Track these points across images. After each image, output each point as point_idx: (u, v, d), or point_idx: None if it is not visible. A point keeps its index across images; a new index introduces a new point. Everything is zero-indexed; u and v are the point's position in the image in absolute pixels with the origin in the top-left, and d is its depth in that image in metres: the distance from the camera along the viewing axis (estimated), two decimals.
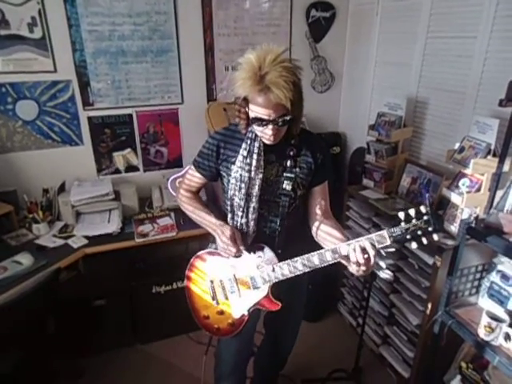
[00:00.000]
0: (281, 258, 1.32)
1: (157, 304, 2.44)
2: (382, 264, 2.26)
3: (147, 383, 2.23)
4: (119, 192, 2.47)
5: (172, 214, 2.47)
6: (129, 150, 2.66)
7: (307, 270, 1.28)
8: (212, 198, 2.47)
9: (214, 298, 1.43)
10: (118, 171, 2.67)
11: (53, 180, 2.42)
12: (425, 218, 1.12)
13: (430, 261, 1.88)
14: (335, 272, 2.78)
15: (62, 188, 2.45)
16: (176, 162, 2.78)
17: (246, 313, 1.38)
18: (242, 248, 1.35)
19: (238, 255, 1.36)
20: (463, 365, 1.80)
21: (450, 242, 1.77)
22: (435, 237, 1.13)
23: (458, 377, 1.75)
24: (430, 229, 1.12)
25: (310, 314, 2.63)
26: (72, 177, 2.50)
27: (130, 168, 2.70)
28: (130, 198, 2.48)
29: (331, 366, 2.32)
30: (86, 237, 2.21)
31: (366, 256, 1.16)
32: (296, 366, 2.18)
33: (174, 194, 2.54)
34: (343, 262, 1.22)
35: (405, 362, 2.20)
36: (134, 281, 2.38)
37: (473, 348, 1.87)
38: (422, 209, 1.12)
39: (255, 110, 1.21)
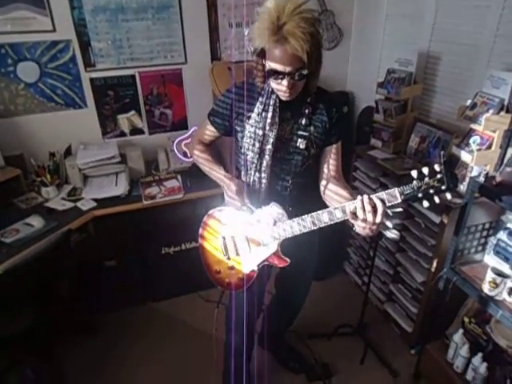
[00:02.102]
0: (291, 215, 1.33)
1: (166, 264, 2.50)
2: (389, 224, 2.28)
3: (160, 339, 2.33)
4: (125, 155, 2.47)
5: (178, 177, 2.47)
6: (133, 112, 2.62)
7: (316, 227, 1.29)
8: (216, 155, 2.46)
9: (225, 253, 1.46)
10: (123, 134, 2.65)
11: (58, 144, 2.41)
12: (438, 176, 1.09)
13: (437, 219, 1.89)
14: (341, 232, 2.81)
15: (68, 151, 2.45)
16: (181, 124, 2.75)
17: (255, 268, 1.41)
18: (247, 202, 1.38)
19: (243, 209, 1.38)
20: (466, 319, 1.85)
21: (457, 201, 1.76)
22: (448, 196, 1.10)
23: (461, 330, 1.80)
24: (443, 187, 1.09)
25: (317, 273, 2.67)
26: (77, 140, 2.49)
27: (135, 131, 2.68)
28: (136, 161, 2.47)
29: (337, 322, 2.40)
30: (95, 199, 2.24)
31: (374, 214, 1.15)
32: (303, 322, 2.25)
33: (180, 156, 2.53)
34: (352, 220, 1.22)
35: (408, 318, 2.27)
36: (143, 242, 2.42)
37: (476, 303, 1.92)
38: (436, 167, 1.09)
39: (271, 62, 1.19)
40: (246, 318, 1.66)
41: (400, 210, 2.18)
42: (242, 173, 1.47)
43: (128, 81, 2.52)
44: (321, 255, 1.88)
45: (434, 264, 1.94)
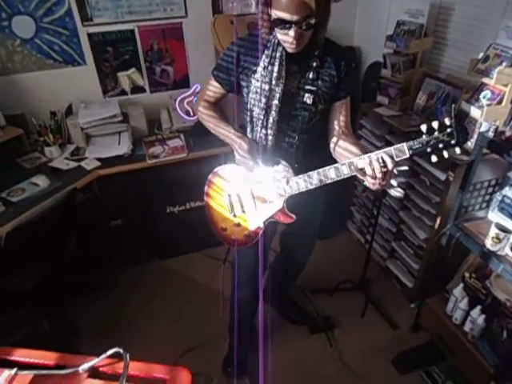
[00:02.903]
0: (297, 172, 1.32)
1: (171, 223, 2.53)
2: (394, 182, 2.26)
3: (167, 295, 2.41)
4: (127, 114, 2.44)
5: (182, 136, 2.45)
6: (133, 69, 2.55)
7: (323, 184, 1.28)
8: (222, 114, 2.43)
9: (231, 211, 1.47)
10: (124, 93, 2.60)
11: (59, 103, 2.37)
12: (448, 130, 1.07)
13: (443, 177, 1.88)
14: (345, 192, 2.81)
15: (69, 111, 2.41)
16: (183, 82, 2.68)
17: (261, 225, 1.42)
18: (259, 161, 1.35)
19: (255, 168, 1.37)
20: (466, 275, 1.89)
21: (464, 158, 1.75)
22: (457, 150, 1.09)
23: (461, 285, 1.84)
24: (452, 142, 1.07)
25: (320, 232, 2.71)
26: (78, 99, 2.45)
27: (136, 89, 2.62)
28: (138, 120, 2.44)
29: (339, 278, 2.46)
30: (98, 159, 2.23)
31: (383, 170, 1.14)
32: (306, 279, 2.31)
33: (183, 115, 2.49)
34: (359, 175, 1.20)
35: (410, 274, 2.32)
36: (148, 202, 2.44)
37: (477, 260, 1.95)
38: (447, 121, 1.06)
39: (278, 11, 1.13)
40: (251, 273, 1.70)
41: (405, 168, 2.16)
42: (248, 130, 1.44)
43: (127, 36, 2.44)
44: (324, 214, 1.89)
45: (438, 221, 1.95)
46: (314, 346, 2.10)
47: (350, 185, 2.78)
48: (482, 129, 1.60)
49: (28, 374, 0.87)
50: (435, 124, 1.07)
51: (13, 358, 0.92)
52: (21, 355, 0.94)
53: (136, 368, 0.85)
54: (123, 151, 2.27)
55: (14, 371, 0.87)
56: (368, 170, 1.14)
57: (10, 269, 1.74)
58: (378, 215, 2.22)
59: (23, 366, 0.91)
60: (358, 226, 2.79)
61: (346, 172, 1.22)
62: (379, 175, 1.13)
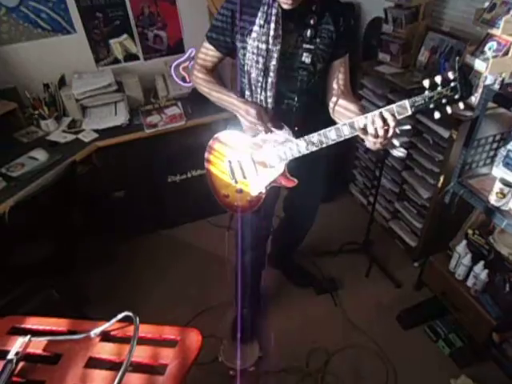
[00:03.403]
0: (297, 135, 1.30)
1: (174, 193, 2.53)
2: (396, 142, 2.22)
3: (173, 263, 2.44)
4: (122, 83, 2.38)
5: (179, 103, 2.40)
6: (125, 36, 2.47)
7: (324, 145, 1.26)
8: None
9: (232, 177, 1.45)
10: (117, 61, 2.53)
11: (51, 74, 2.31)
12: (452, 84, 1.04)
13: (446, 134, 1.85)
14: (347, 154, 2.79)
15: (62, 82, 2.35)
16: (177, 48, 2.60)
17: (263, 190, 1.41)
18: (270, 125, 1.31)
19: (262, 134, 1.33)
20: (469, 231, 1.89)
21: (468, 114, 1.71)
22: (461, 105, 1.06)
23: (464, 241, 1.85)
24: (456, 96, 1.04)
25: (323, 195, 2.71)
26: (70, 70, 2.38)
27: (130, 57, 2.55)
28: (133, 89, 2.38)
29: (343, 240, 2.48)
30: (96, 130, 2.20)
31: (385, 128, 1.11)
32: (310, 242, 2.33)
33: (179, 81, 2.43)
34: (361, 135, 1.18)
35: (413, 233, 2.34)
36: (148, 172, 2.42)
37: (480, 217, 1.96)
38: (450, 75, 1.03)
39: None
40: (255, 239, 1.71)
41: (408, 127, 2.13)
42: (247, 94, 1.40)
43: (116, 0, 2.34)
44: (327, 178, 1.88)
45: (441, 179, 1.94)
46: (320, 306, 2.15)
47: (351, 148, 2.75)
48: (487, 82, 1.55)
49: (42, 341, 0.90)
50: (438, 79, 1.04)
51: (25, 325, 0.94)
52: (33, 323, 0.96)
53: (147, 330, 0.87)
54: (120, 121, 2.23)
55: (27, 338, 0.89)
56: (369, 129, 1.12)
57: (17, 243, 1.76)
58: (380, 176, 2.21)
59: (36, 334, 0.93)
60: (361, 188, 2.79)
61: (346, 132, 1.20)
62: (381, 134, 1.11)
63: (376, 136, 1.12)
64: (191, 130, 2.30)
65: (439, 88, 1.04)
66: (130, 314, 0.83)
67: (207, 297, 2.20)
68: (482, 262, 1.76)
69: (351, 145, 2.74)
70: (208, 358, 1.88)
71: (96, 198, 2.36)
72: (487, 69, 1.63)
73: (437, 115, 1.08)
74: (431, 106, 1.07)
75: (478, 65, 1.68)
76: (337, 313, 2.11)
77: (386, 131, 1.11)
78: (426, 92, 1.06)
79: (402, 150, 2.22)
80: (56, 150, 2.07)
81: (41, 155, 2.00)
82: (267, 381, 1.80)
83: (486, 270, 1.74)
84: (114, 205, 2.44)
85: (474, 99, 1.71)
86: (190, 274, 2.36)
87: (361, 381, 1.82)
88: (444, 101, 1.05)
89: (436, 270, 1.98)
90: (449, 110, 1.07)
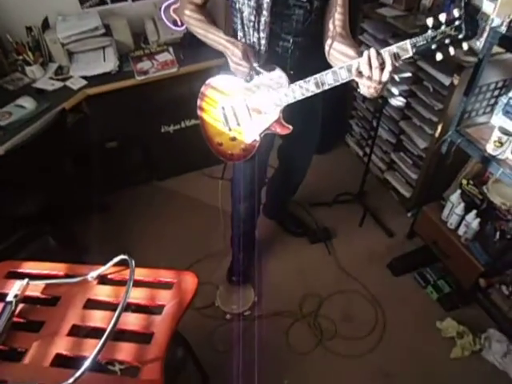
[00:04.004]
0: (293, 79, 1.24)
1: (168, 143, 2.49)
2: (395, 91, 2.18)
3: (168, 214, 2.45)
4: (109, 26, 2.24)
5: (170, 49, 2.29)
6: None
7: (320, 90, 1.21)
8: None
9: (226, 124, 1.42)
10: (103, 2, 2.36)
11: (34, 17, 2.16)
12: (456, 23, 0.98)
13: (447, 81, 1.79)
14: (344, 104, 2.73)
15: (45, 25, 2.21)
16: None
17: (257, 138, 1.38)
18: (255, 65, 1.25)
19: (250, 75, 1.28)
20: (464, 181, 1.90)
21: (471, 59, 1.65)
22: (465, 46, 1.00)
23: (458, 191, 1.86)
24: (460, 36, 0.99)
25: (318, 146, 2.68)
26: (54, 11, 2.23)
27: None
28: (122, 33, 2.26)
29: (337, 191, 2.49)
30: (84, 77, 2.11)
31: (381, 71, 1.06)
32: (304, 193, 2.34)
33: (170, 25, 2.31)
34: (356, 78, 1.13)
35: (407, 184, 2.35)
36: (141, 122, 2.36)
37: (475, 167, 1.96)
38: (455, 12, 0.97)
39: None
40: (250, 188, 1.71)
41: (408, 74, 2.07)
42: (240, 35, 1.33)
43: None
44: (323, 128, 1.85)
45: (439, 129, 1.91)
46: (314, 254, 2.20)
47: (349, 97, 2.68)
48: (494, 24, 1.48)
49: (39, 284, 0.91)
50: (442, 17, 0.99)
51: (23, 270, 0.95)
52: (30, 267, 0.97)
53: (143, 273, 0.89)
54: (110, 68, 2.13)
55: (25, 281, 0.90)
56: (365, 71, 1.06)
57: (10, 193, 1.75)
58: (377, 126, 2.17)
59: (34, 278, 0.94)
60: (357, 139, 2.75)
61: (344, 76, 1.15)
62: (376, 77, 1.06)
63: (371, 79, 1.07)
64: (184, 77, 2.21)
65: (443, 27, 1.00)
66: (126, 257, 0.84)
67: (203, 246, 2.23)
68: (474, 211, 1.78)
69: (349, 94, 2.67)
70: (205, 303, 1.95)
71: (88, 148, 2.32)
72: (495, 10, 1.55)
73: (439, 57, 1.03)
74: (433, 46, 1.02)
75: (486, 5, 1.59)
76: (330, 261, 2.16)
77: (382, 75, 1.06)
78: (429, 31, 1.01)
79: (401, 98, 2.16)
80: (44, 98, 1.99)
81: (28, 103, 1.93)
82: (262, 324, 1.88)
83: (478, 219, 1.76)
84: (107, 155, 2.40)
85: (479, 44, 1.64)
86: (185, 224, 2.38)
87: (352, 323, 1.90)
88: (447, 41, 1.01)
89: (428, 219, 2.01)
90: (451, 51, 1.02)
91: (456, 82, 1.71)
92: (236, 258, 2.03)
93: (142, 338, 0.82)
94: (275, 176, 2.11)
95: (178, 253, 2.21)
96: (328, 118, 2.54)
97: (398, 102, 2.19)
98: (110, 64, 2.14)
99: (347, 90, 2.65)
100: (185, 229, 2.36)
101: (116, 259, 0.85)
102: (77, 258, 2.02)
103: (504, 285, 1.80)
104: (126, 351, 0.80)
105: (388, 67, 1.04)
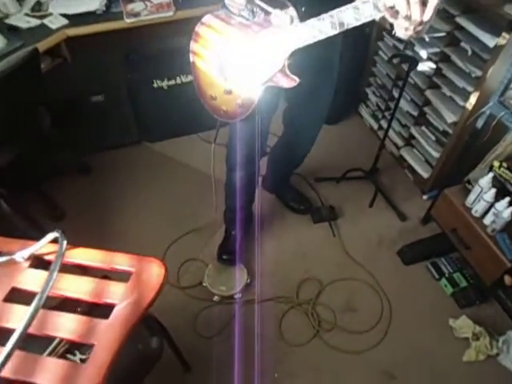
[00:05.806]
0: (304, 18, 0.97)
1: (160, 101, 2.22)
2: (423, 54, 1.89)
3: (158, 180, 2.21)
4: None
5: None
6: None
7: (336, 31, 0.93)
8: None
9: (221, 73, 1.15)
10: None
11: None
12: None
13: (492, 42, 1.50)
14: (361, 68, 2.43)
15: None
16: None
17: (257, 90, 1.12)
18: (260, 3, 1.00)
19: (253, 11, 1.02)
20: (495, 164, 1.65)
21: None
22: None
23: (490, 174, 1.61)
24: None
25: (328, 116, 2.40)
26: None
27: None
28: None
29: (347, 167, 2.23)
30: (65, 15, 1.84)
31: (422, 8, 0.78)
32: (310, 166, 2.10)
33: None
34: (388, 18, 0.85)
35: (426, 163, 2.09)
36: (131, 74, 2.09)
37: (508, 148, 1.70)
38: None
39: None
40: (247, 154, 1.46)
41: (443, 34, 1.77)
42: None
43: None
44: (334, 94, 1.58)
45: (473, 100, 1.63)
46: (317, 235, 1.97)
47: (368, 61, 2.38)
48: None
49: None
50: None
51: None
52: None
53: (92, 257, 0.65)
54: (95, 6, 1.85)
55: None
56: (401, 7, 0.79)
57: None
58: (400, 96, 1.87)
59: None
60: (373, 110, 2.47)
61: (368, 14, 0.86)
62: (417, 16, 0.78)
63: (409, 18, 0.80)
64: (181, 23, 1.91)
65: None
66: (57, 234, 0.60)
67: (194, 218, 2.01)
68: (507, 199, 1.54)
69: (369, 58, 2.36)
70: (191, 282, 1.75)
71: (70, 101, 2.06)
72: None
73: None
74: None
75: None
76: (334, 243, 1.94)
77: (424, 12, 0.78)
78: None
79: (430, 63, 1.87)
80: (16, 36, 1.73)
81: None
82: (253, 309, 1.68)
83: (511, 208, 1.52)
84: (91, 110, 2.14)
85: None
86: (175, 193, 2.15)
87: (353, 314, 1.70)
88: None
89: (450, 204, 1.77)
90: None
91: (504, 41, 1.42)
92: (229, 233, 1.81)
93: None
94: (278, 144, 1.85)
95: (166, 223, 1.99)
96: (341, 83, 2.24)
97: (425, 67, 1.90)
98: (95, 2, 1.86)
99: (367, 53, 2.35)
100: (175, 198, 2.12)
101: (49, 237, 0.61)
102: (39, 227, 1.78)
103: None
104: (45, 371, 0.55)
105: (433, 1, 0.77)
